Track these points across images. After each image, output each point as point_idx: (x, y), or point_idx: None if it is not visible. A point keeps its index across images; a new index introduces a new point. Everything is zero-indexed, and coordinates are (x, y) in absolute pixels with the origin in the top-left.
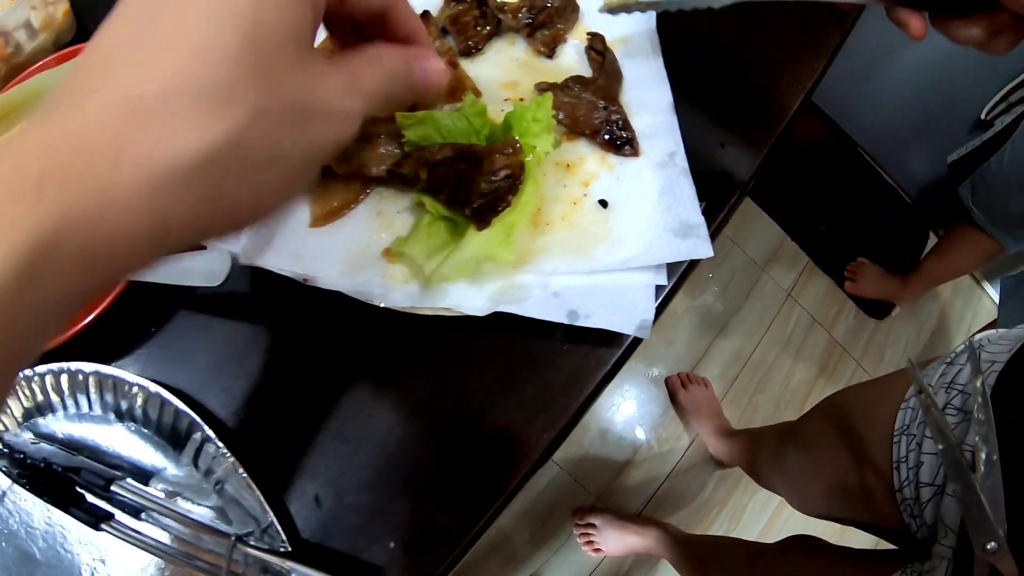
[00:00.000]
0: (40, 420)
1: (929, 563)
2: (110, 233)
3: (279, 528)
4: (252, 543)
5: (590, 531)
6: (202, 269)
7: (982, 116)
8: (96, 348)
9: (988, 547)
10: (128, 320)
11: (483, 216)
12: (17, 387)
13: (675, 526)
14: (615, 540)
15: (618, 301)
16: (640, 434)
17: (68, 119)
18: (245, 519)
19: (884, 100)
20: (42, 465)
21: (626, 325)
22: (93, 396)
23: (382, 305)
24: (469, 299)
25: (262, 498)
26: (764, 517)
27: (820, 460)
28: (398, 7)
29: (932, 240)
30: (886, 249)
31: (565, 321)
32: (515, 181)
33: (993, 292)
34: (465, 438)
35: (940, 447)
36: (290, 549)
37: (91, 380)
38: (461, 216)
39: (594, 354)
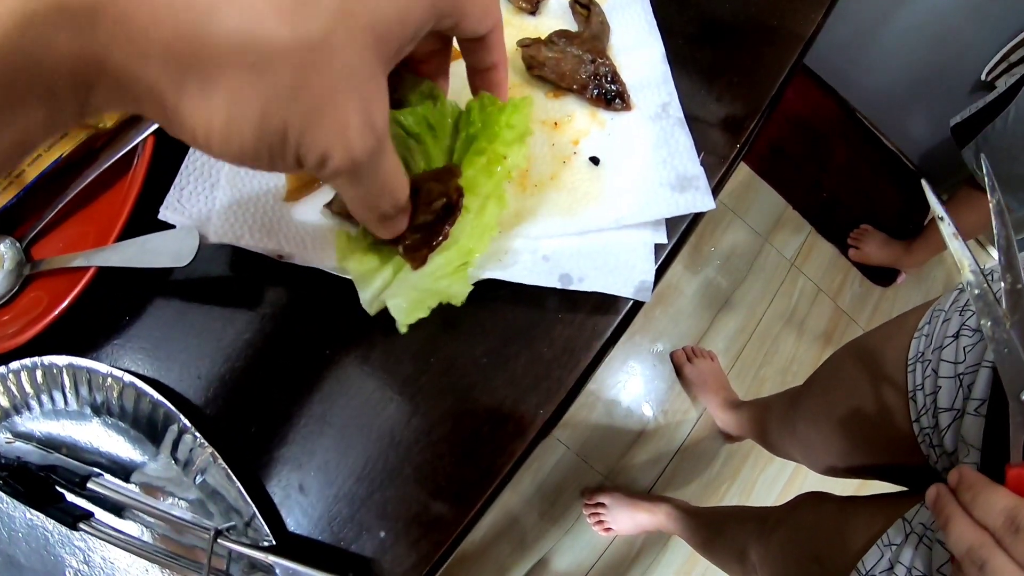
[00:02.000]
0: (16, 419)
1: None
2: None
3: (262, 521)
4: (234, 537)
5: (599, 510)
6: (169, 249)
7: (982, 77)
8: (70, 341)
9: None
10: (101, 310)
11: (416, 254)
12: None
13: (685, 501)
14: (625, 518)
15: (613, 262)
16: (647, 411)
17: None
18: (227, 512)
19: (883, 65)
20: (16, 465)
21: (624, 287)
22: (68, 391)
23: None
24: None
25: (243, 490)
26: (775, 490)
27: (835, 405)
28: (499, 30)
29: None
30: (890, 215)
31: (557, 286)
32: (453, 209)
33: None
34: (455, 419)
35: (970, 286)
36: (274, 543)
37: (65, 373)
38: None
39: (590, 322)
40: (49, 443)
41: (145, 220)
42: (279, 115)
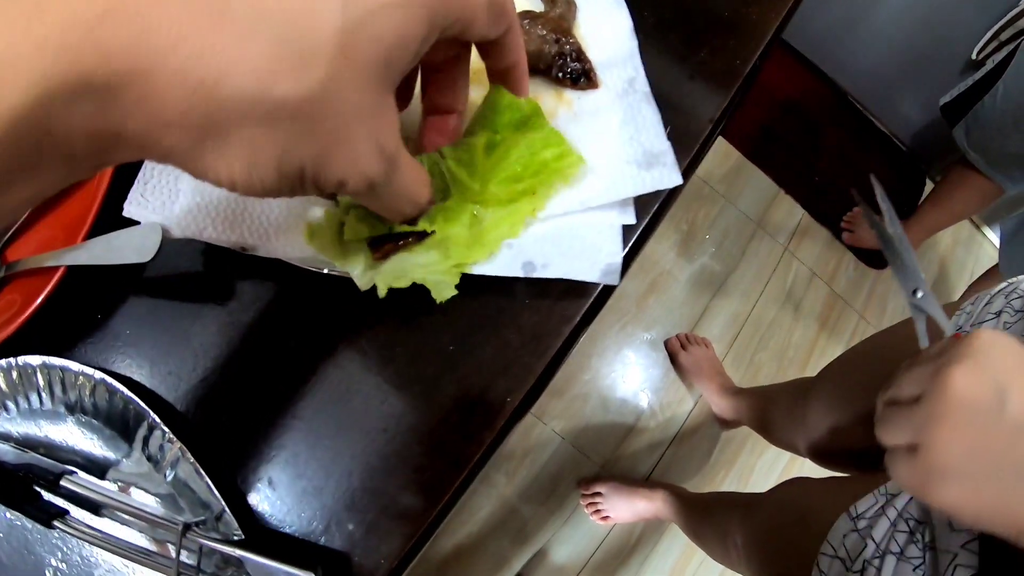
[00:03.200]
0: None
1: None
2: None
3: (231, 515)
4: (204, 532)
5: (596, 499)
6: (134, 246)
7: (973, 56)
8: (44, 340)
9: (917, 294)
10: (73, 309)
11: (381, 248)
12: None
13: (681, 487)
14: (623, 507)
15: (579, 246)
16: (642, 399)
17: None
18: (198, 507)
19: (873, 47)
20: None
21: (590, 272)
22: (43, 390)
23: (326, 271)
24: None
25: (211, 484)
26: (772, 476)
27: (853, 393)
28: (515, 31)
29: (929, 187)
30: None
31: (521, 274)
32: (423, 236)
33: (994, 237)
34: (422, 409)
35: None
36: (243, 537)
37: (39, 373)
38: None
39: (558, 308)
40: (26, 443)
41: (115, 218)
42: (295, 158)
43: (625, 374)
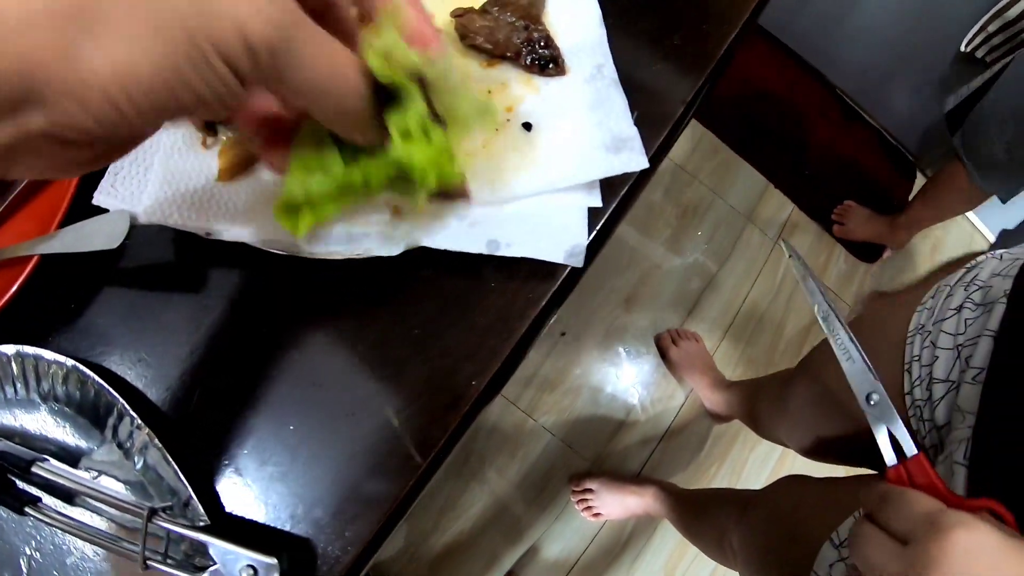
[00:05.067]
0: None
1: (943, 454)
2: None
3: (197, 501)
4: (170, 518)
5: (587, 496)
6: (103, 232)
7: (962, 48)
8: (17, 330)
9: (871, 401)
10: (47, 299)
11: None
12: None
13: (672, 483)
14: (614, 503)
15: (544, 227)
16: (632, 395)
17: None
18: (166, 494)
19: (860, 40)
20: None
21: (554, 252)
22: (17, 379)
23: (289, 254)
24: (385, 240)
25: (178, 470)
26: (765, 471)
27: (828, 383)
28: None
29: (920, 181)
30: (873, 191)
31: (484, 251)
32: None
33: (985, 229)
34: (388, 392)
35: (815, 305)
36: (209, 523)
37: (14, 362)
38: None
39: (524, 290)
40: (2, 433)
41: (87, 209)
42: (175, 26)
43: (615, 369)
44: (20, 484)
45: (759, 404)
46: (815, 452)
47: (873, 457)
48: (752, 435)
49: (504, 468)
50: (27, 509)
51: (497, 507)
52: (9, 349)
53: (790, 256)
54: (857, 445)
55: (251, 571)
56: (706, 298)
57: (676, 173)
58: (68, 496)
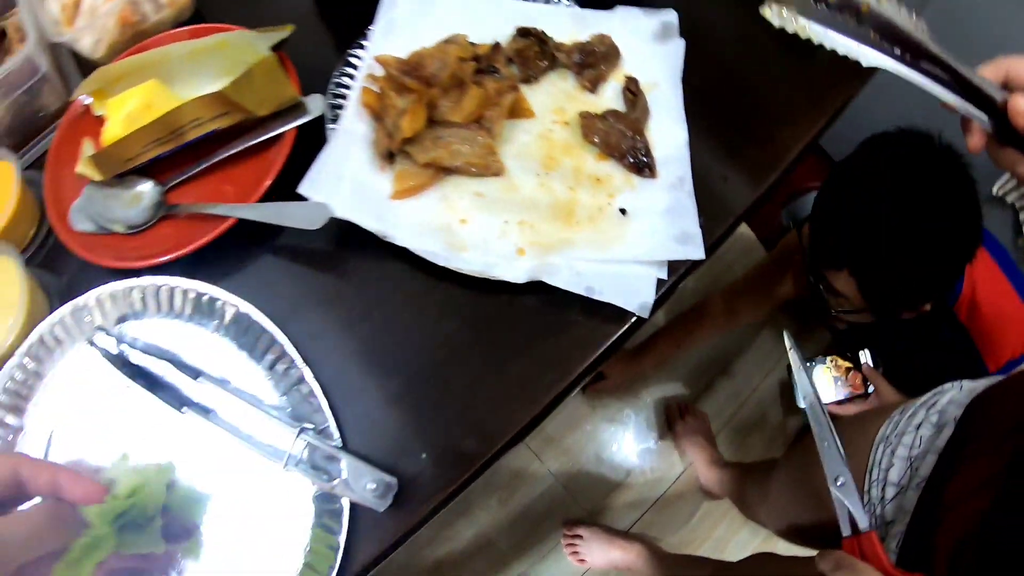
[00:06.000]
0: (134, 323)
1: (885, 545)
2: None
3: (334, 428)
4: (314, 434)
5: (576, 541)
6: (304, 215)
7: (993, 192)
8: (204, 266)
9: (838, 482)
10: (232, 251)
11: None
12: (116, 296)
13: (659, 545)
14: (600, 552)
15: (626, 285)
16: (635, 457)
17: None
18: (306, 421)
19: None
20: (142, 353)
21: (630, 303)
22: (188, 307)
23: (441, 264)
24: (513, 269)
25: (323, 403)
26: (745, 553)
27: (806, 473)
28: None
29: None
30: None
31: (583, 293)
32: None
33: None
34: (491, 379)
35: (802, 395)
36: (342, 445)
37: (190, 295)
38: None
39: (601, 328)
40: (174, 350)
41: (272, 195)
42: None
43: (623, 431)
44: (180, 389)
45: (747, 485)
46: (788, 534)
47: (836, 543)
48: (739, 518)
49: (506, 500)
50: (185, 409)
51: (489, 536)
52: (190, 284)
53: (790, 348)
54: (825, 531)
55: (373, 485)
56: (719, 382)
57: (714, 262)
58: (208, 408)
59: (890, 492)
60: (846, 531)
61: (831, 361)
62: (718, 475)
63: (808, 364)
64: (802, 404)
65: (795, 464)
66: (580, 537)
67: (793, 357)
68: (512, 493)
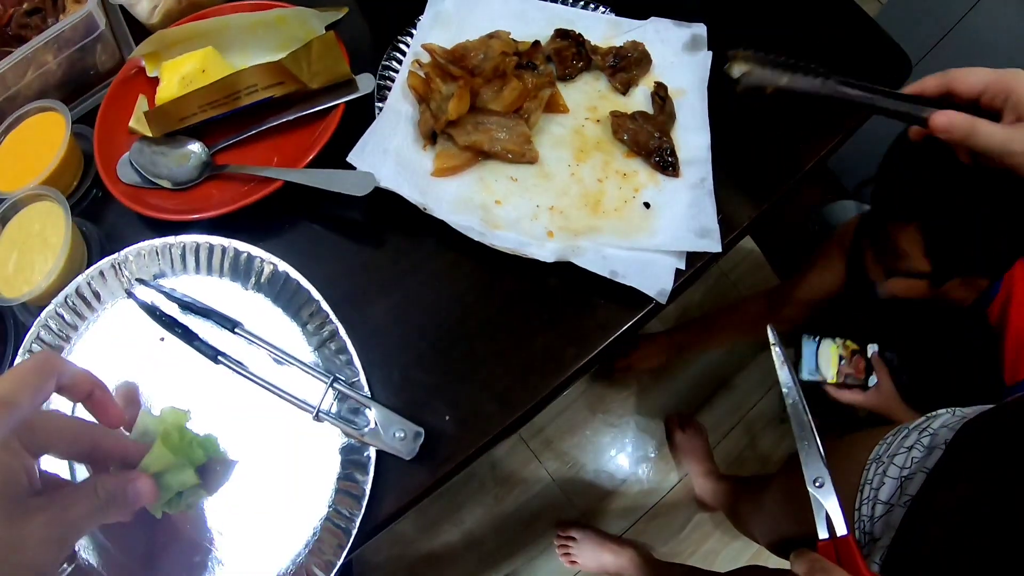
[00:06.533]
0: (172, 279)
1: (870, 559)
2: None
3: (364, 382)
4: (346, 385)
5: (569, 543)
6: (352, 182)
7: None
8: (243, 228)
9: (817, 483)
10: (271, 216)
11: None
12: (155, 252)
13: (650, 552)
14: (591, 555)
15: (647, 271)
16: (632, 464)
17: None
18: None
19: None
20: (182, 303)
21: (650, 288)
22: (227, 264)
23: (477, 240)
24: (543, 249)
25: (355, 358)
26: (734, 567)
27: (799, 483)
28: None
29: None
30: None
31: (607, 275)
32: None
33: None
34: (515, 351)
35: (785, 392)
36: (372, 397)
37: (228, 252)
38: None
39: (621, 311)
40: (210, 303)
41: (323, 160)
42: None
43: (623, 438)
44: (213, 342)
45: (740, 498)
46: (779, 548)
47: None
48: (730, 531)
49: (503, 497)
50: (220, 359)
51: (481, 532)
52: (230, 242)
53: (774, 344)
54: (815, 546)
55: (402, 434)
56: (720, 395)
57: (720, 279)
58: (244, 361)
59: (880, 510)
60: (823, 533)
61: (839, 340)
62: (713, 487)
63: (816, 339)
64: (787, 403)
65: (788, 478)
66: (573, 539)
67: (776, 352)
68: (508, 491)
